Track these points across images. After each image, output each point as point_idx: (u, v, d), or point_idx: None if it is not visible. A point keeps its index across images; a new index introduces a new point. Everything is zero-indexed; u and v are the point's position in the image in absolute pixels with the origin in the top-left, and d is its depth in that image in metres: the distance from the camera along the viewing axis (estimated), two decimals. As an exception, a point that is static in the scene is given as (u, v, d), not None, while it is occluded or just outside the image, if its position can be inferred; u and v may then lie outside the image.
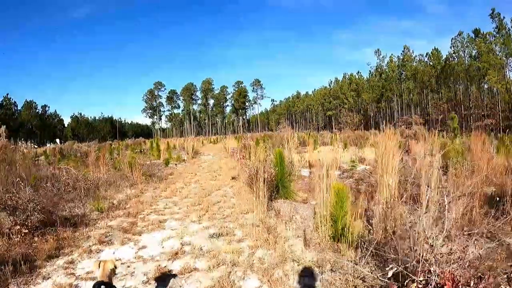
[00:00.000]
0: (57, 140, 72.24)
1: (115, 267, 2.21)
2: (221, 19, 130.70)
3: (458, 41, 43.04)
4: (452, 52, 44.09)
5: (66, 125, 74.02)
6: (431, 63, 47.83)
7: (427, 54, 50.10)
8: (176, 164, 12.63)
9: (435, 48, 49.27)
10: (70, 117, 75.55)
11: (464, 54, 41.73)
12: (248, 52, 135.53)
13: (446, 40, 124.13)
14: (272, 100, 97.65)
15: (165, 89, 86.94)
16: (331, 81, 74.54)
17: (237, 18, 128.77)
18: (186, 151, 16.80)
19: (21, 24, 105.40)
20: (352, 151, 14.28)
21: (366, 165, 9.92)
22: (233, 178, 7.98)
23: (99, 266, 2.11)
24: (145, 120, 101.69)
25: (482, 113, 36.69)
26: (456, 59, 42.94)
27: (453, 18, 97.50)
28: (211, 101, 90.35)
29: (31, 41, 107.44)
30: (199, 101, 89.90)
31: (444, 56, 45.77)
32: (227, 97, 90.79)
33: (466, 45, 40.95)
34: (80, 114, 76.80)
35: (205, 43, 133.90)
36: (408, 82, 49.69)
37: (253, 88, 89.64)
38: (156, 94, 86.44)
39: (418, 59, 51.21)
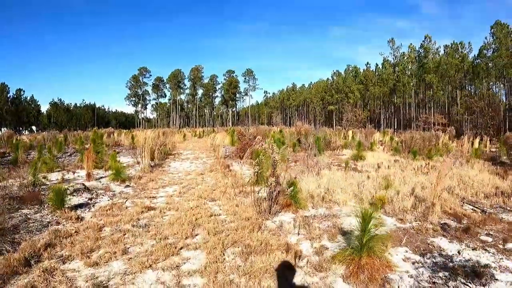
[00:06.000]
0: (33, 128, 63.83)
1: None
2: (215, 10, 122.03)
3: (497, 31, 36.51)
4: (490, 42, 37.45)
5: (44, 112, 66.64)
6: (457, 56, 41.30)
7: (450, 45, 43.59)
8: (91, 200, 5.21)
9: (454, 42, 43.02)
10: (49, 103, 68.15)
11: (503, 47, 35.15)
12: (240, 44, 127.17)
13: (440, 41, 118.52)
14: (265, 92, 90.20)
15: (150, 75, 77.60)
16: (333, 72, 67.39)
17: (230, 9, 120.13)
18: (141, 155, 9.12)
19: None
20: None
21: None
22: None
23: None
24: (131, 109, 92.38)
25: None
26: (493, 51, 36.54)
27: (447, 20, 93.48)
28: (200, 91, 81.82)
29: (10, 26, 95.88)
30: (187, 91, 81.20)
31: (478, 48, 39.23)
32: (217, 87, 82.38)
33: (509, 36, 34.28)
34: (60, 100, 68.92)
35: (196, 33, 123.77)
36: (431, 75, 42.83)
37: (245, 78, 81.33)
38: (141, 80, 77.00)
39: (442, 51, 44.54)
